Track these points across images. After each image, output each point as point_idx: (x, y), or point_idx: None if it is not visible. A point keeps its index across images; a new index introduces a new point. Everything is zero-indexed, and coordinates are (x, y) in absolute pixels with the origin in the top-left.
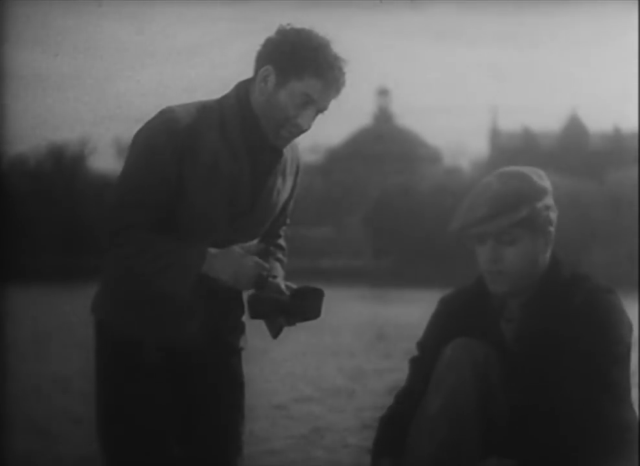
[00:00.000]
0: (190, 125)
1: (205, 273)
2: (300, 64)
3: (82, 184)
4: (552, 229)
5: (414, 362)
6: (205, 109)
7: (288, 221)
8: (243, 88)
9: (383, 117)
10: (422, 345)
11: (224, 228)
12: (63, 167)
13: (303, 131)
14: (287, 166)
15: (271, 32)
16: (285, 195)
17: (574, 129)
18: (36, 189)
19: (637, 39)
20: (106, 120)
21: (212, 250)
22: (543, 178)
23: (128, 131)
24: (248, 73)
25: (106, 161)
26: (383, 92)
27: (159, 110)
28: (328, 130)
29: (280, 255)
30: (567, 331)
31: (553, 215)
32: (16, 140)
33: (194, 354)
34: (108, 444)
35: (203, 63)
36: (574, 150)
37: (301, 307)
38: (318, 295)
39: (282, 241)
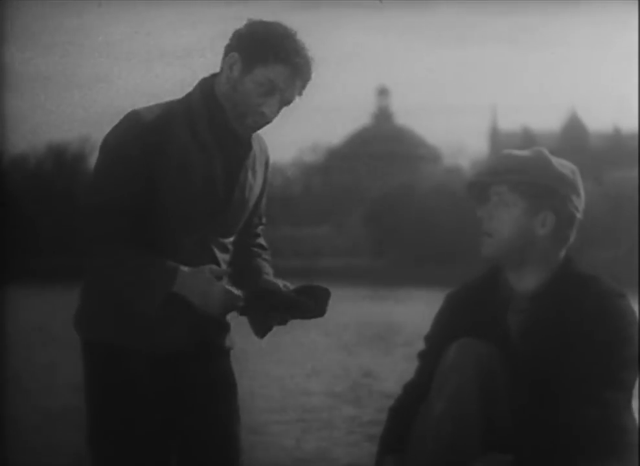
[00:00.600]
0: (156, 123)
1: (175, 292)
2: (266, 50)
3: (82, 183)
4: (555, 216)
5: (422, 356)
6: (169, 107)
7: (264, 220)
8: (208, 83)
9: (383, 117)
10: (429, 339)
11: (202, 225)
12: (64, 166)
13: (267, 122)
14: (257, 160)
15: None
16: (256, 190)
17: (574, 129)
18: (36, 188)
19: (637, 40)
20: (106, 120)
21: (184, 269)
22: (567, 169)
23: None
24: None
25: None
26: (383, 92)
27: None
28: (328, 130)
29: (265, 256)
30: (576, 330)
31: (565, 205)
32: (16, 140)
33: (182, 358)
34: (101, 455)
35: (204, 64)
36: (573, 150)
37: (308, 304)
38: (325, 293)
39: (262, 240)
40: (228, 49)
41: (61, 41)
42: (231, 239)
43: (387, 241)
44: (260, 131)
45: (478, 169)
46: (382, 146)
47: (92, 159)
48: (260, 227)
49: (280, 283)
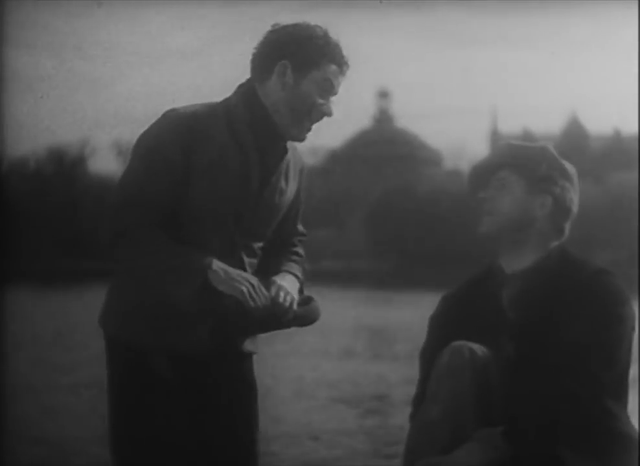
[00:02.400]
0: (196, 122)
1: (209, 281)
2: (316, 53)
3: (82, 186)
4: (549, 199)
5: (422, 360)
6: (208, 109)
7: (303, 229)
8: (249, 87)
9: (384, 119)
10: (428, 341)
11: (229, 227)
12: (63, 169)
13: (323, 117)
14: (290, 168)
15: None
16: (289, 197)
17: (575, 131)
18: (36, 191)
19: (637, 40)
20: (106, 121)
21: (220, 263)
22: (568, 165)
23: (128, 133)
24: (247, 75)
25: (106, 163)
26: (383, 94)
27: (158, 112)
28: (329, 132)
29: (294, 257)
30: (569, 301)
31: (564, 195)
32: (16, 142)
33: (205, 360)
34: (122, 455)
35: (203, 65)
36: (574, 152)
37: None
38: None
39: (297, 249)
40: (269, 55)
41: (61, 43)
42: (260, 244)
43: (387, 243)
44: None
45: (482, 157)
46: (382, 149)
47: (92, 161)
48: (298, 238)
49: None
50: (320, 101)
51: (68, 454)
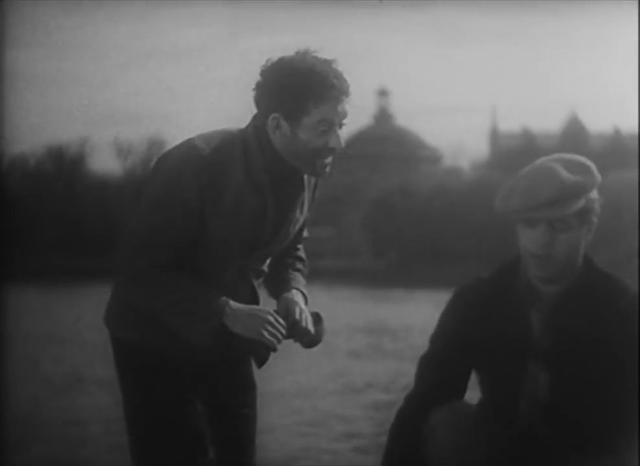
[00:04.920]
0: (213, 160)
1: (225, 325)
2: (303, 100)
3: (81, 184)
4: (595, 219)
5: (426, 359)
6: (228, 143)
7: (306, 233)
8: (262, 131)
9: (383, 117)
10: (436, 341)
11: (244, 257)
12: (63, 167)
13: (335, 151)
14: (306, 190)
15: (270, 32)
16: (301, 220)
17: (574, 130)
18: (36, 189)
19: (637, 39)
20: (105, 120)
21: (234, 305)
22: (595, 170)
23: (127, 131)
24: (246, 74)
25: (105, 161)
26: (383, 93)
27: (156, 110)
28: None
29: (299, 266)
30: (613, 328)
31: (598, 206)
32: (15, 141)
33: (208, 359)
34: (144, 450)
35: (202, 64)
36: (574, 151)
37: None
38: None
39: (300, 253)
40: (262, 104)
41: (61, 41)
42: (267, 263)
43: (386, 241)
44: None
45: (524, 200)
46: (382, 147)
47: (92, 160)
48: (301, 241)
49: (302, 301)
50: (322, 141)
51: (67, 451)
